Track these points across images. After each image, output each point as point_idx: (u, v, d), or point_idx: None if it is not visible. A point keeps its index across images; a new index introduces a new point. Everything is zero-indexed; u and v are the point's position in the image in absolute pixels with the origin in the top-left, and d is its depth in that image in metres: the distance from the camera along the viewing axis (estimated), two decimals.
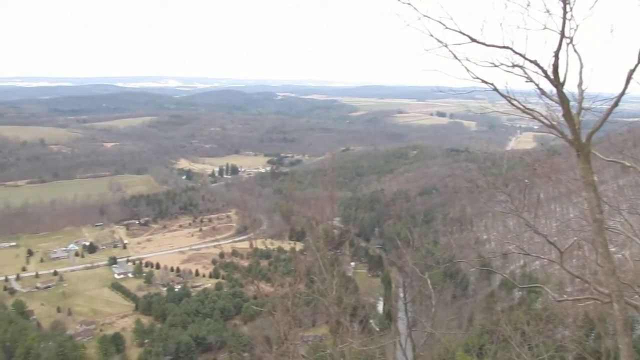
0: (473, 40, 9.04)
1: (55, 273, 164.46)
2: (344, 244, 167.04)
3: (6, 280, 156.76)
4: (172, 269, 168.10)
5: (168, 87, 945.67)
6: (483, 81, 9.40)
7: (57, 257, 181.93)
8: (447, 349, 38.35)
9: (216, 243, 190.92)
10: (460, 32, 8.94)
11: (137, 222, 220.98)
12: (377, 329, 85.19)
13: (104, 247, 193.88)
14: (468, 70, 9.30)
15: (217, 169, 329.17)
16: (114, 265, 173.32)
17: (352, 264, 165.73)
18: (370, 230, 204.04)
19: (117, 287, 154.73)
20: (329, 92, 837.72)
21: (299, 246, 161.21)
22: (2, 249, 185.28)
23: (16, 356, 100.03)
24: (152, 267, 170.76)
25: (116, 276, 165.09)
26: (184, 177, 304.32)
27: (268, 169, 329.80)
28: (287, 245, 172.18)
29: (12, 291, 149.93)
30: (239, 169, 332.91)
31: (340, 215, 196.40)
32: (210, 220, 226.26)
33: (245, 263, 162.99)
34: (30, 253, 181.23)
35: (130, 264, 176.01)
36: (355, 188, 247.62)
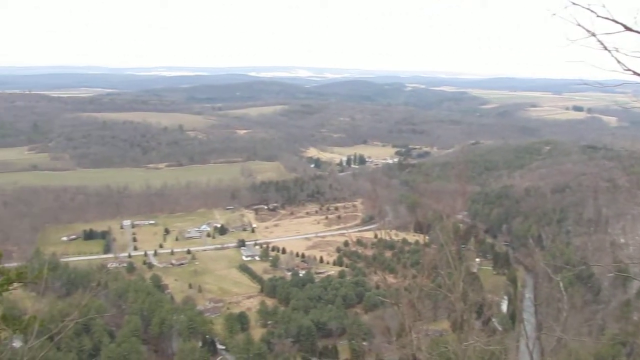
0: (627, 28, 8.23)
1: (189, 251, 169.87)
2: (470, 239, 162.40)
3: (145, 255, 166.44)
4: (297, 255, 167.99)
5: (299, 77, 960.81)
6: (635, 73, 8.57)
7: (190, 237, 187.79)
8: (577, 357, 35.82)
9: (341, 231, 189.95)
10: (614, 21, 8.24)
11: (266, 208, 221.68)
12: (500, 329, 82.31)
13: (233, 229, 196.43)
14: (619, 62, 8.47)
15: (344, 159, 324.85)
16: (243, 248, 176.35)
17: (477, 260, 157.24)
18: (497, 226, 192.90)
19: (244, 268, 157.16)
20: (458, 84, 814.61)
21: (424, 239, 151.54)
22: (143, 226, 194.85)
23: (152, 325, 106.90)
24: (278, 251, 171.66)
25: (244, 258, 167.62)
26: (312, 165, 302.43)
27: (395, 160, 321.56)
28: (411, 237, 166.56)
29: (150, 266, 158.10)
30: (367, 159, 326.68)
31: (467, 210, 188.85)
32: (336, 208, 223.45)
33: (369, 253, 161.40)
34: (167, 231, 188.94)
35: (257, 247, 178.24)
36: (484, 182, 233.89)
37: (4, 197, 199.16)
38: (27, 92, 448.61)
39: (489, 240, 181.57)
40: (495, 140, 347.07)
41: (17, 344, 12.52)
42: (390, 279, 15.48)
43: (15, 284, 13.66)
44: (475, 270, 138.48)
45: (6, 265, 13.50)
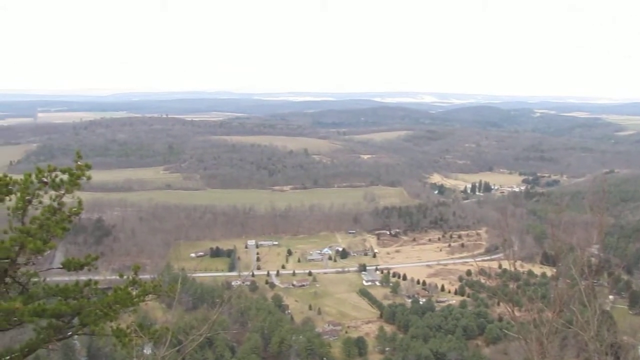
0: None
1: (310, 273, 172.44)
2: (603, 274, 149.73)
3: (268, 275, 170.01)
4: (418, 282, 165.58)
5: (424, 103, 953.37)
6: None
7: (312, 259, 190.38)
8: None
9: (464, 260, 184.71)
10: None
11: (388, 233, 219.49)
12: None
13: (355, 254, 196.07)
14: None
15: (469, 186, 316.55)
16: (363, 272, 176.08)
17: (611, 297, 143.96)
18: (634, 262, 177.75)
19: (364, 293, 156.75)
20: (591, 109, 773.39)
21: (552, 271, 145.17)
22: (266, 246, 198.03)
23: (271, 344, 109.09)
24: (399, 277, 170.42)
25: (364, 283, 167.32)
26: (436, 192, 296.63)
27: (522, 188, 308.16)
28: (538, 269, 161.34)
29: (272, 285, 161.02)
30: (492, 187, 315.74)
31: (601, 243, 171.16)
32: (459, 236, 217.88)
33: (492, 283, 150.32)
34: (289, 253, 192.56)
35: (378, 272, 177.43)
36: (619, 214, 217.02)
37: (141, 212, 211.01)
38: (164, 117, 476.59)
39: (625, 277, 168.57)
40: (632, 169, 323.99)
41: (147, 351, 12.73)
42: (516, 312, 13.65)
43: (150, 295, 13.67)
44: (608, 308, 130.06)
45: (140, 277, 13.41)
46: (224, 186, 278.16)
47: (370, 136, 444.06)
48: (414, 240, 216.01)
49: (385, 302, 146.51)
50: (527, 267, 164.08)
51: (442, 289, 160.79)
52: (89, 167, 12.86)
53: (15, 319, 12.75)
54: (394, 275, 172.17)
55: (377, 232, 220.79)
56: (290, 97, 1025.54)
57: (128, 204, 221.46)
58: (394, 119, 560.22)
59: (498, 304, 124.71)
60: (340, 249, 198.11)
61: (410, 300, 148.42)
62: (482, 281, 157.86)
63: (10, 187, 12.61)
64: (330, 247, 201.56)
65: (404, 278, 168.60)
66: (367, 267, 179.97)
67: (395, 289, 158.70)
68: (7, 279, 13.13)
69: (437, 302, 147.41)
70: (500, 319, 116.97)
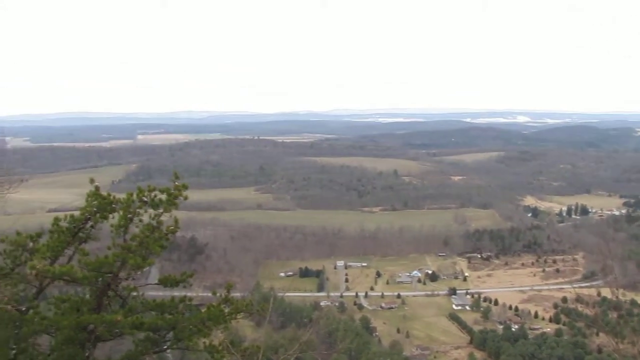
0: None
1: (399, 296, 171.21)
2: None
3: (356, 296, 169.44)
4: (510, 307, 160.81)
5: (517, 123, 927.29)
6: None
7: (401, 281, 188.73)
8: None
9: (560, 286, 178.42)
10: None
11: (479, 256, 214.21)
12: None
13: (444, 277, 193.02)
14: None
15: (564, 208, 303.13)
16: (453, 296, 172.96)
17: None
18: None
19: (454, 317, 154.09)
20: None
21: None
22: (355, 268, 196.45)
23: None
24: (490, 302, 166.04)
25: (454, 307, 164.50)
26: (529, 215, 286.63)
27: (623, 211, 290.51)
28: None
29: (361, 307, 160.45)
30: (590, 210, 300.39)
31: None
32: (554, 261, 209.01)
33: (592, 312, 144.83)
34: (378, 274, 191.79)
35: (468, 296, 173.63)
36: None
37: (232, 232, 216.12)
38: (256, 138, 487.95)
39: None
40: None
41: None
42: (618, 344, 13.09)
43: (241, 313, 14.09)
44: None
45: (232, 295, 13.81)
46: (313, 207, 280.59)
47: (460, 157, 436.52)
48: (506, 264, 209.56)
49: (476, 328, 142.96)
50: (630, 295, 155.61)
51: (536, 315, 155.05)
52: (185, 187, 13.45)
53: (117, 330, 13.42)
54: (485, 300, 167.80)
55: (467, 255, 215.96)
56: (379, 118, 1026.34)
57: (220, 223, 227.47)
58: (485, 140, 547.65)
59: (597, 335, 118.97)
60: (430, 272, 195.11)
61: (501, 327, 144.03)
62: (580, 309, 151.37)
63: (114, 206, 13.39)
64: (419, 269, 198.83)
65: (496, 303, 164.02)
66: (457, 291, 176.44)
67: (486, 314, 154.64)
68: (110, 293, 13.87)
69: (531, 329, 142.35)
70: (600, 351, 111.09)
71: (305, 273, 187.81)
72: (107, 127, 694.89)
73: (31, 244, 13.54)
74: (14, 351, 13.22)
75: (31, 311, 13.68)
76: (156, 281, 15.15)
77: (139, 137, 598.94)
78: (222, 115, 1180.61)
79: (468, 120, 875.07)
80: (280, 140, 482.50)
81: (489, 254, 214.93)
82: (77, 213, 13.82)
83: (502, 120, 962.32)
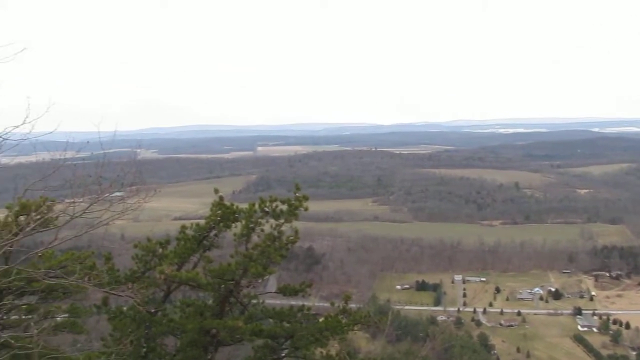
0: None
1: (519, 313, 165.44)
2: None
3: (474, 312, 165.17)
4: None
5: None
6: None
7: (521, 298, 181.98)
8: None
9: None
10: None
11: (608, 275, 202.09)
12: None
13: (569, 295, 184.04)
14: None
15: None
16: (578, 317, 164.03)
17: None
18: None
19: (579, 339, 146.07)
20: None
21: None
22: (473, 282, 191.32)
23: None
24: (620, 325, 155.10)
25: (579, 328, 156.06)
26: None
27: None
28: None
29: (479, 323, 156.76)
30: None
31: None
32: None
33: None
34: (497, 290, 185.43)
35: (596, 317, 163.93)
36: None
37: (349, 243, 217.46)
38: (373, 149, 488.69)
39: None
40: None
41: None
42: None
43: (358, 325, 14.18)
44: None
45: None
46: (431, 219, 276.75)
47: (587, 169, 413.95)
48: (639, 284, 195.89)
49: (604, 352, 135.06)
50: None
51: None
52: (306, 198, 13.75)
53: (237, 336, 13.91)
54: (614, 323, 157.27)
55: (594, 273, 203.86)
56: (499, 128, 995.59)
57: (337, 234, 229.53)
58: (614, 151, 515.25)
59: None
60: (553, 289, 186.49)
61: (634, 353, 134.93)
62: None
63: (236, 215, 13.91)
64: (541, 286, 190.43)
65: (627, 326, 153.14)
66: (583, 311, 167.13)
67: (616, 338, 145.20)
68: (232, 299, 14.40)
69: None
70: None
71: (421, 286, 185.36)
72: (229, 139, 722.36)
73: (160, 250, 14.36)
74: (144, 349, 14.03)
75: (159, 313, 14.47)
76: (275, 290, 15.53)
77: (259, 148, 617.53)
78: (340, 126, 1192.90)
79: (595, 129, 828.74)
80: (398, 152, 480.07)
81: (619, 272, 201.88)
82: (202, 222, 14.48)
83: (633, 129, 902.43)
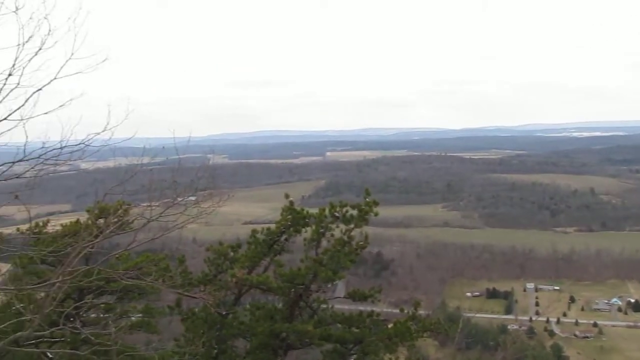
0: None
1: (595, 324, 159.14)
2: None
3: (547, 321, 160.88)
4: None
5: None
6: None
7: (598, 309, 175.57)
8: None
9: None
10: None
11: None
12: None
13: None
14: None
15: None
16: None
17: None
18: None
19: None
20: None
21: None
22: (546, 291, 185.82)
23: None
24: None
25: None
26: None
27: None
28: None
29: (552, 334, 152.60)
30: None
31: None
32: None
33: None
34: (572, 300, 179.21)
35: None
36: None
37: (418, 249, 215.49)
38: (443, 154, 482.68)
39: None
40: None
41: None
42: None
43: (427, 332, 14.04)
44: None
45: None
46: (502, 225, 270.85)
47: None
48: None
49: None
50: None
51: None
52: (376, 204, 13.73)
53: (307, 340, 14.00)
54: None
55: None
56: (574, 132, 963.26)
57: (406, 240, 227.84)
58: None
59: None
60: (633, 300, 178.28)
61: None
62: None
63: (307, 220, 14.03)
64: (620, 297, 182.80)
65: None
66: None
67: None
68: (301, 303, 14.51)
69: None
70: None
71: (492, 294, 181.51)
72: (299, 145, 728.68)
73: (232, 254, 14.65)
74: (215, 351, 14.31)
75: (230, 316, 14.72)
76: (344, 294, 15.56)
77: (328, 153, 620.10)
78: (409, 131, 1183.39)
79: None
80: (468, 157, 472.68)
81: None
82: (272, 226, 14.69)
83: None
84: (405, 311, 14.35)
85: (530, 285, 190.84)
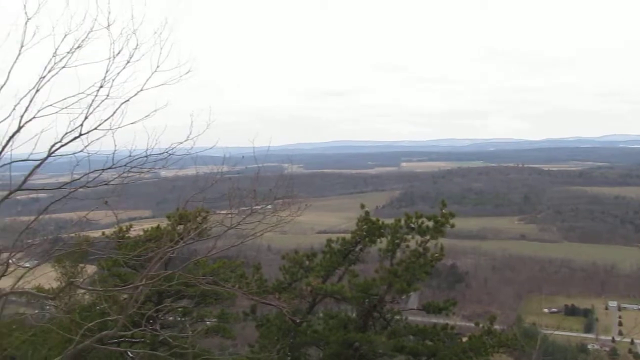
0: None
1: None
2: None
3: (632, 343, 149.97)
4: None
5: None
6: None
7: None
8: None
9: None
10: None
11: None
12: None
13: None
14: None
15: None
16: None
17: None
18: None
19: None
20: None
21: None
22: (630, 310, 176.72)
23: None
24: None
25: None
26: None
27: None
28: None
29: (637, 356, 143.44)
30: None
31: None
32: None
33: None
34: None
35: None
36: None
37: (494, 262, 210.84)
38: (520, 166, 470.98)
39: None
40: None
41: None
42: None
43: (503, 347, 13.74)
44: None
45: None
46: (582, 240, 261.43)
47: None
48: None
49: None
50: None
51: None
52: (452, 215, 13.57)
53: (380, 351, 13.95)
54: None
55: None
56: None
57: (481, 252, 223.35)
58: None
59: None
60: None
61: None
62: None
63: (382, 231, 14.02)
64: None
65: None
66: None
67: None
68: (375, 314, 14.48)
69: None
70: None
71: (571, 311, 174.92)
72: (373, 155, 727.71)
73: (307, 262, 14.80)
74: (289, 358, 14.47)
75: (304, 324, 14.84)
76: (417, 306, 15.40)
77: (403, 164, 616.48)
78: (485, 142, 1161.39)
79: None
80: (546, 169, 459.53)
81: None
82: (347, 236, 14.75)
83: None
84: (481, 325, 14.05)
85: (613, 304, 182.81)
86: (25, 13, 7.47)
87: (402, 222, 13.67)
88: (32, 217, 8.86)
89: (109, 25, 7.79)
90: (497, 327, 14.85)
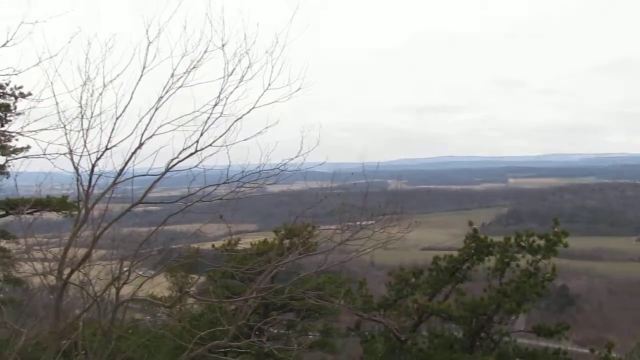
0: None
1: None
2: None
3: None
4: None
5: None
6: None
7: None
8: None
9: None
10: None
11: None
12: None
13: None
14: None
15: None
16: None
17: None
18: None
19: None
20: None
21: None
22: None
23: None
24: None
25: None
26: None
27: None
28: None
29: None
30: None
31: None
32: None
33: None
34: None
35: None
36: None
37: (610, 284, 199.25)
38: (638, 182, 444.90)
39: None
40: None
41: None
42: None
43: None
44: None
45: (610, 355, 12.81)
46: None
47: None
48: None
49: None
50: None
51: None
52: (566, 234, 13.03)
53: None
54: None
55: None
56: None
57: (595, 274, 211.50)
58: None
59: None
60: None
61: None
62: None
63: (490, 249, 13.67)
64: None
65: None
66: None
67: None
68: (482, 335, 14.10)
69: None
70: None
71: None
72: (479, 170, 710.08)
73: (413, 280, 14.66)
74: None
75: (409, 342, 14.69)
76: (523, 327, 14.88)
77: (510, 180, 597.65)
78: (596, 157, 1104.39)
79: None
80: None
81: None
82: (455, 253, 14.49)
83: None
84: (597, 352, 13.35)
85: None
86: (147, 37, 8.03)
87: (512, 240, 13.27)
88: (147, 229, 9.38)
89: (223, 46, 8.18)
90: (614, 354, 14.08)
